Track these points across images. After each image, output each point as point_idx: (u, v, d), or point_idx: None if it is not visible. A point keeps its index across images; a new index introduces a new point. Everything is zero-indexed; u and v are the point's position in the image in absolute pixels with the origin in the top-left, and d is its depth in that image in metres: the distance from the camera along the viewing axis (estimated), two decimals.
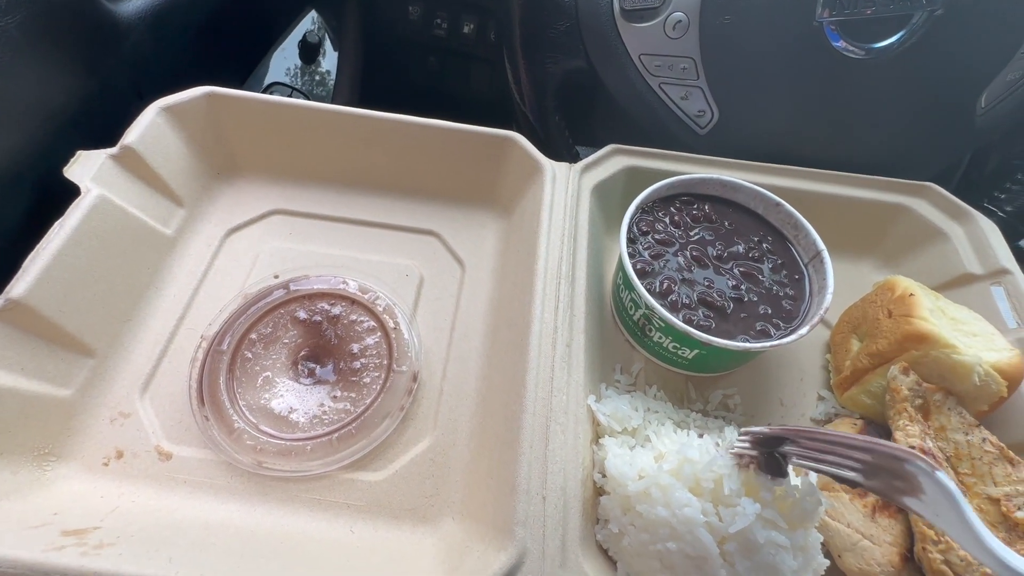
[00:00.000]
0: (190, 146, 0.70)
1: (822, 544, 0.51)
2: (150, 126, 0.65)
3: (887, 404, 0.56)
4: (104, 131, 0.64)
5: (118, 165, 0.62)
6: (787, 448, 0.42)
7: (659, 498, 0.46)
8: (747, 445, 0.45)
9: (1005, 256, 0.67)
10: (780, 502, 0.46)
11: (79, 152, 0.61)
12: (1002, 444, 0.52)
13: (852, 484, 0.37)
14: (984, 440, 0.52)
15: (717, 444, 0.49)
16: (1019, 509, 0.48)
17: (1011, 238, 0.80)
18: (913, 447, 0.50)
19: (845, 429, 0.57)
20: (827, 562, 0.48)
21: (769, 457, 0.44)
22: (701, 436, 0.52)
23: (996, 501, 0.49)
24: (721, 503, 0.44)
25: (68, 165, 0.60)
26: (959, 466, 0.52)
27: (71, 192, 0.58)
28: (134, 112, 0.66)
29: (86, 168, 0.60)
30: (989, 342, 0.57)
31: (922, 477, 0.33)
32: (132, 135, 0.63)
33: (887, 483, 0.35)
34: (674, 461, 0.47)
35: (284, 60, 1.46)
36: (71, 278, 0.55)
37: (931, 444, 0.51)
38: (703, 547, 0.43)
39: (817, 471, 0.39)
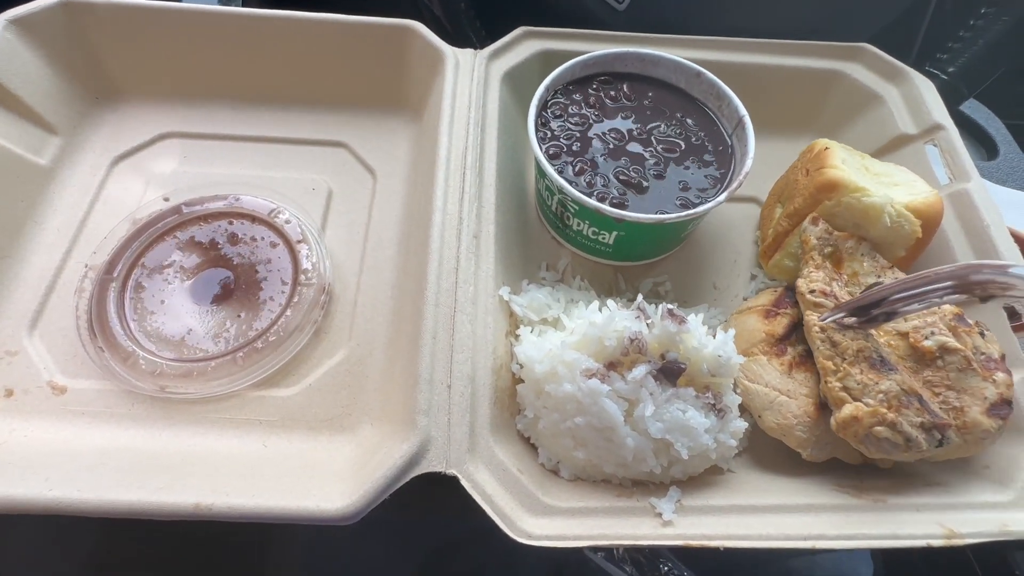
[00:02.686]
0: (55, 66, 0.63)
1: (743, 408, 0.50)
2: None
3: (800, 258, 0.54)
4: None
5: None
6: (881, 310, 0.44)
7: (565, 374, 0.44)
8: (842, 315, 0.46)
9: (939, 112, 0.63)
10: (695, 356, 0.44)
11: None
12: None
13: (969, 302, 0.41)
14: (895, 280, 0.51)
15: (638, 312, 0.46)
16: (926, 339, 0.47)
17: (954, 101, 0.77)
18: (815, 290, 0.49)
19: (765, 299, 0.55)
20: (745, 424, 0.48)
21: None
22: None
23: (905, 335, 0.49)
24: (623, 365, 0.43)
25: None
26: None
27: None
28: None
29: None
30: (910, 188, 0.55)
31: (999, 277, 0.37)
32: None
33: (986, 292, 0.39)
34: (579, 333, 0.45)
35: None
36: None
37: (838, 288, 0.50)
38: (608, 417, 0.42)
39: (925, 308, 0.43)
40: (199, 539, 0.66)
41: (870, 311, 0.45)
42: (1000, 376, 0.46)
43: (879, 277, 0.50)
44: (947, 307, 0.49)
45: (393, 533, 0.75)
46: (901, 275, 0.50)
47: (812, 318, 0.48)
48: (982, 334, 0.48)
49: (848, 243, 0.51)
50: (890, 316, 0.45)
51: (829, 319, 0.47)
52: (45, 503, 0.38)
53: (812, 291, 0.48)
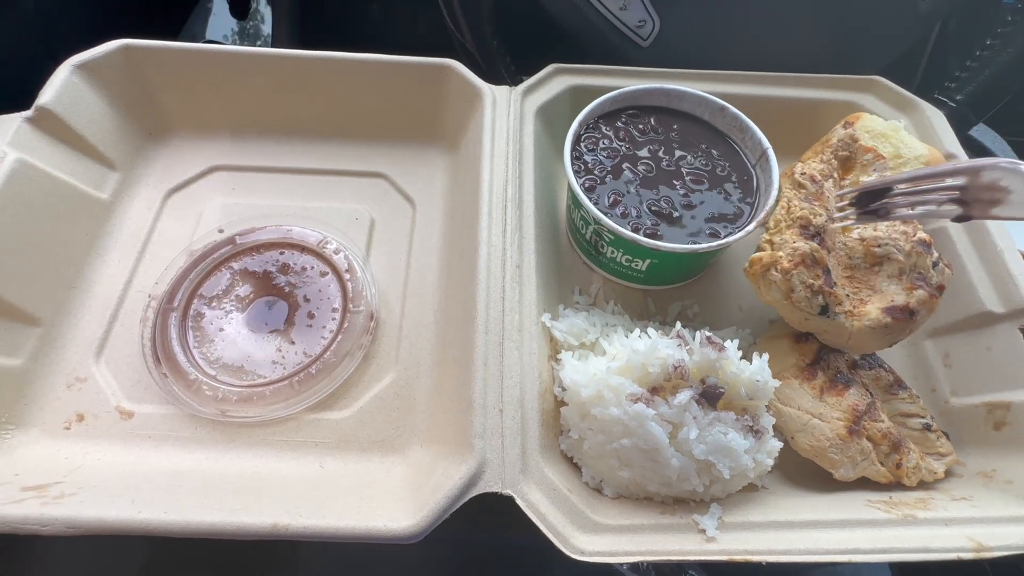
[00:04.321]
0: (115, 106, 0.67)
1: (775, 428, 0.53)
2: (66, 85, 0.62)
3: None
4: (18, 96, 0.61)
5: (36, 128, 0.59)
6: (884, 201, 0.49)
7: (611, 399, 0.47)
8: (846, 204, 0.52)
9: (950, 142, 0.67)
10: (734, 381, 0.47)
11: None
12: None
13: (955, 216, 0.46)
14: None
15: (678, 339, 0.49)
16: (878, 247, 0.52)
17: (962, 128, 0.80)
18: (805, 173, 0.54)
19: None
20: (780, 444, 0.50)
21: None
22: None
23: (864, 240, 0.53)
24: (666, 390, 0.46)
25: None
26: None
27: None
28: (49, 75, 0.63)
29: (1, 134, 0.57)
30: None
31: (1007, 177, 0.41)
32: (46, 95, 0.60)
33: (980, 201, 0.43)
34: (623, 359, 0.48)
35: (219, 25, 1.38)
36: (1, 247, 0.53)
37: (829, 185, 0.54)
38: (654, 439, 0.45)
39: (916, 216, 0.48)
40: (235, 546, 0.68)
41: (871, 202, 0.50)
42: (919, 293, 0.49)
43: None
44: (921, 232, 0.53)
45: (425, 546, 0.77)
46: None
47: (789, 193, 0.54)
48: (935, 264, 0.51)
49: (867, 155, 0.56)
50: (886, 214, 0.50)
51: (838, 215, 0.52)
52: (136, 525, 0.41)
53: (803, 173, 0.54)
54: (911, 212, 0.48)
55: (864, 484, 0.52)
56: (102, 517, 0.41)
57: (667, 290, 0.66)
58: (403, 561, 0.79)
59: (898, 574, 0.72)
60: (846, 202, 0.52)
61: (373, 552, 0.75)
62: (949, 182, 0.45)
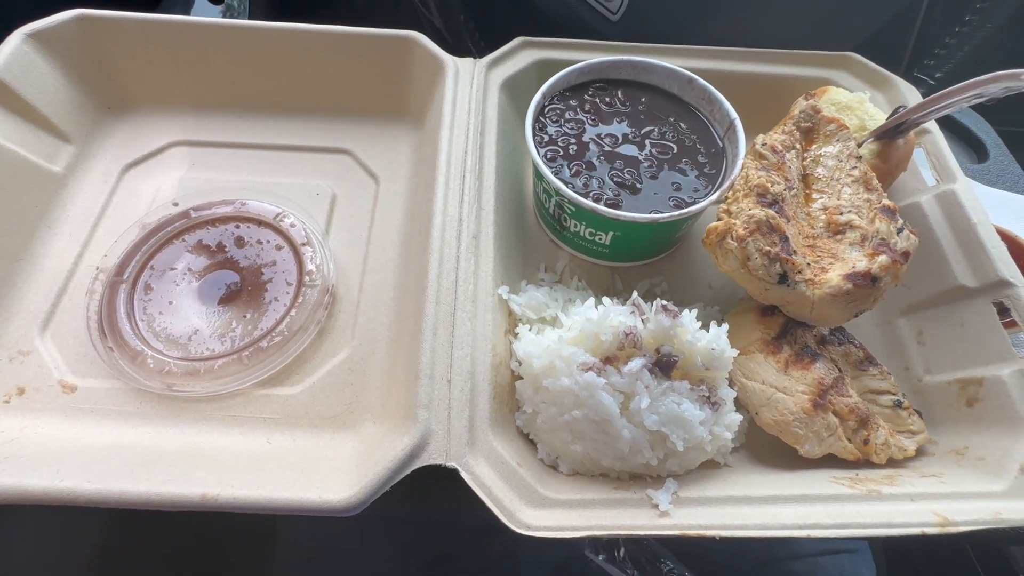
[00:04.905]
0: (70, 77, 0.65)
1: (740, 404, 0.51)
2: (16, 54, 0.60)
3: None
4: None
5: None
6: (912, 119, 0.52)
7: (562, 369, 0.45)
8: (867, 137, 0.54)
9: None
10: (689, 350, 0.45)
11: None
12: (872, 176, 0.53)
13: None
14: (854, 168, 0.53)
15: (633, 307, 0.48)
16: (840, 215, 0.50)
17: None
18: (766, 143, 0.53)
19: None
20: (740, 417, 0.49)
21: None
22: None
23: (826, 208, 0.52)
24: (619, 360, 0.44)
25: None
26: (814, 184, 0.54)
27: None
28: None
29: None
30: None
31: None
32: None
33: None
34: (576, 329, 0.46)
35: (202, 11, 1.37)
36: None
37: (791, 156, 0.53)
38: (605, 409, 0.43)
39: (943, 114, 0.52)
40: (204, 540, 0.66)
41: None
42: (882, 259, 0.47)
43: (840, 160, 0.53)
44: (885, 200, 0.51)
45: (395, 535, 0.76)
46: (864, 167, 0.53)
47: (749, 163, 0.53)
48: (900, 231, 0.49)
49: (831, 126, 0.55)
50: (908, 128, 0.53)
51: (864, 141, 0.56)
52: (56, 493, 0.39)
53: (764, 143, 0.53)
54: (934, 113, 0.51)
55: (831, 462, 0.50)
56: (22, 485, 0.39)
57: (635, 267, 0.64)
58: (378, 547, 0.77)
59: (883, 561, 0.70)
60: (867, 134, 0.55)
61: (344, 539, 0.73)
62: (962, 96, 0.47)
